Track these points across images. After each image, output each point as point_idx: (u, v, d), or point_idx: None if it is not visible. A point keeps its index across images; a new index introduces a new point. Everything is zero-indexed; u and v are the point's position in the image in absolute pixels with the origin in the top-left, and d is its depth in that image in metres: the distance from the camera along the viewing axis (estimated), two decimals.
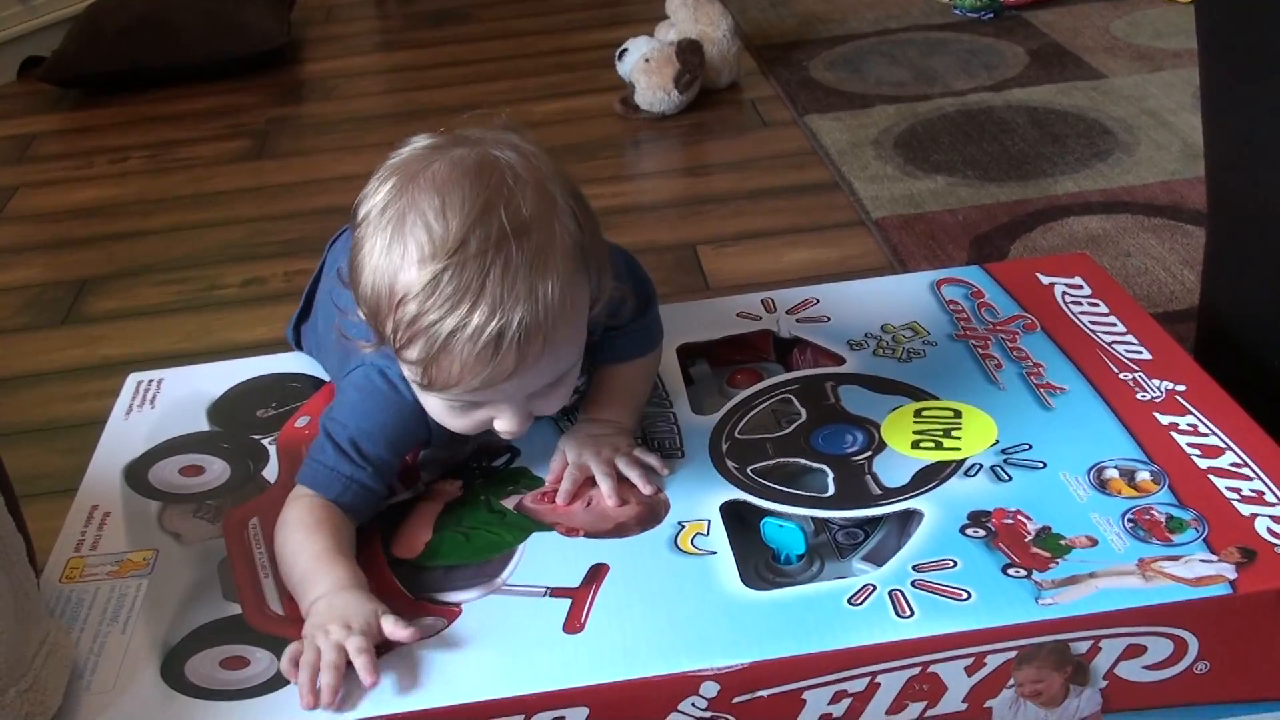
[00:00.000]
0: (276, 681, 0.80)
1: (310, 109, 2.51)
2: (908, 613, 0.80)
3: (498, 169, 0.84)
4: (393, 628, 0.80)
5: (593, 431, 0.98)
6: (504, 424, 0.88)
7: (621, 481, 0.95)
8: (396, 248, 0.81)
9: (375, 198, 0.84)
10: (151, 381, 1.14)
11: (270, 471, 1.01)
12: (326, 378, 1.11)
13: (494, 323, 0.79)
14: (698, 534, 0.89)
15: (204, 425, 1.08)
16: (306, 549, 0.86)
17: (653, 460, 0.96)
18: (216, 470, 1.02)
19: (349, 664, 0.78)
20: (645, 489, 0.94)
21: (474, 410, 0.88)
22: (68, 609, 0.88)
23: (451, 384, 0.82)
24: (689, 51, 2.25)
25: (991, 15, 2.60)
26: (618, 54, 2.36)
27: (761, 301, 1.17)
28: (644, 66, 2.25)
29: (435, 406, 0.89)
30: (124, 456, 1.04)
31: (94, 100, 2.60)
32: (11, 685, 0.74)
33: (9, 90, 2.72)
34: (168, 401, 1.11)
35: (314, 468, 0.91)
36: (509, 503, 0.95)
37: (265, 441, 1.04)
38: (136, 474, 1.02)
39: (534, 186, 0.84)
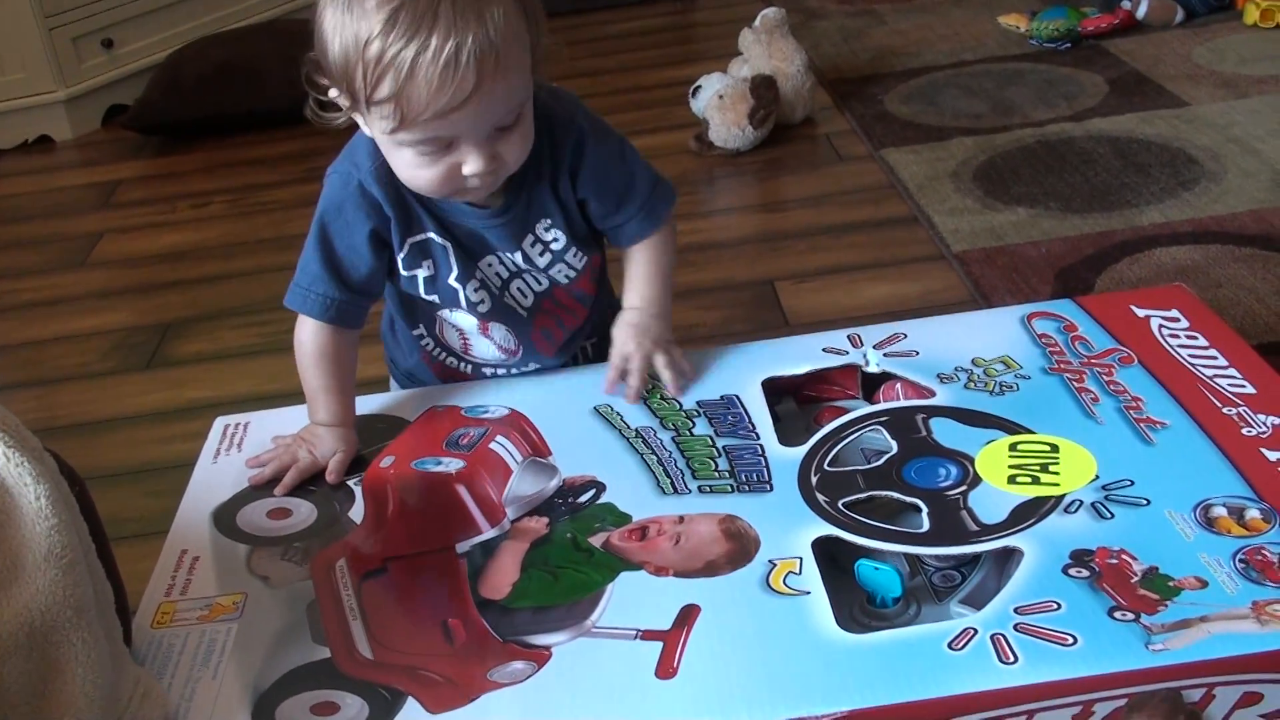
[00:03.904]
0: None
1: None
2: (1011, 659, 0.78)
3: None
4: (334, 468, 1.04)
5: (635, 320, 1.11)
6: (471, 165, 0.93)
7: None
8: (355, 6, 0.89)
9: None
10: (238, 425, 1.14)
11: (356, 513, 1.01)
12: (411, 418, 1.11)
13: (451, 41, 0.86)
14: (790, 573, 0.88)
15: None
16: (310, 380, 1.08)
17: (685, 365, 1.11)
18: (304, 513, 1.02)
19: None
20: (672, 389, 1.08)
21: (443, 156, 0.94)
22: (159, 654, 0.88)
23: (421, 111, 0.88)
24: (763, 87, 2.24)
25: (1069, 45, 2.56)
26: (691, 91, 2.36)
27: (848, 337, 1.15)
28: (718, 103, 2.25)
29: (406, 159, 0.95)
30: (212, 500, 1.04)
31: (176, 146, 2.65)
32: None
33: (94, 138, 2.78)
34: (254, 444, 1.11)
35: (297, 291, 1.06)
36: (596, 540, 0.94)
37: (351, 482, 1.04)
38: (225, 518, 1.02)
39: None
